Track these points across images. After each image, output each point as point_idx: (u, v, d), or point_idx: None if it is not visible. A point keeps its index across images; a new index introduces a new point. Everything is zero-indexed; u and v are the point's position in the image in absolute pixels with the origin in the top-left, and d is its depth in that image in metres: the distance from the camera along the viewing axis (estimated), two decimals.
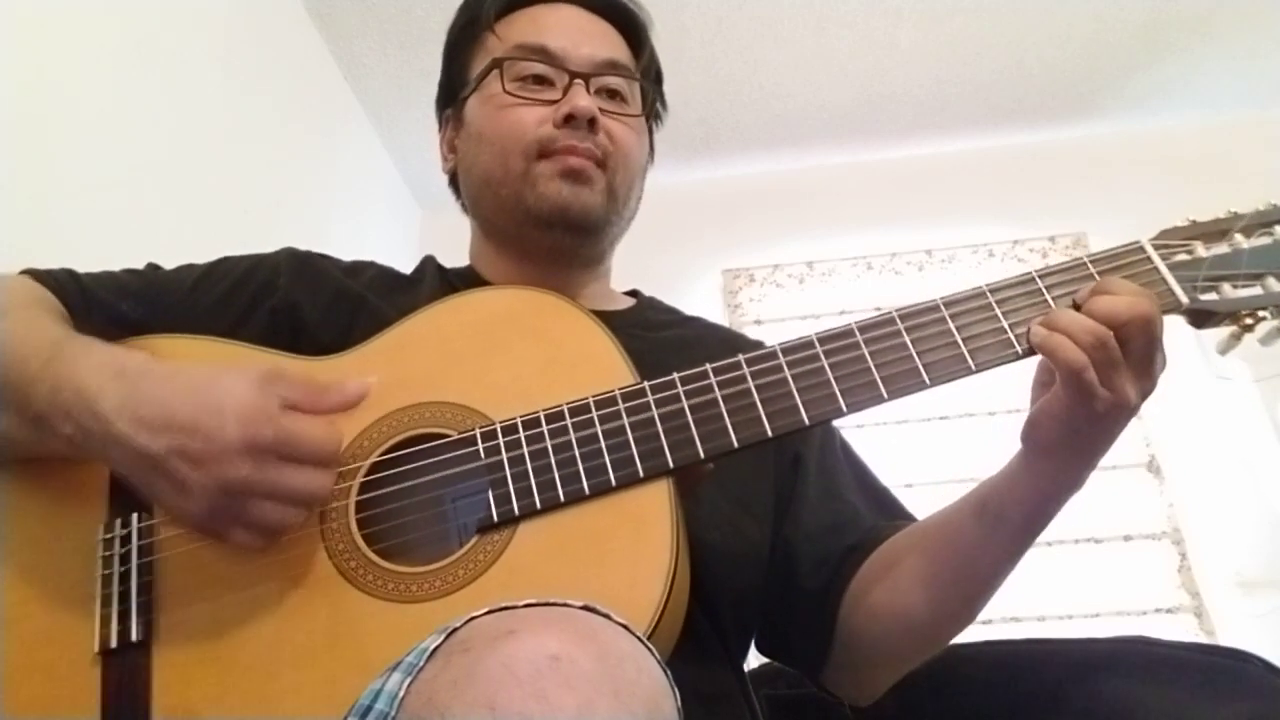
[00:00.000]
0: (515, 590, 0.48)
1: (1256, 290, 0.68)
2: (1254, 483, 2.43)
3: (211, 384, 0.63)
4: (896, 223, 2.84)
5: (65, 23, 1.42)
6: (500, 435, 0.67)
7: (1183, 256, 0.69)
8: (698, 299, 2.80)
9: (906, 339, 0.68)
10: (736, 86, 2.66)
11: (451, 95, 0.95)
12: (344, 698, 0.46)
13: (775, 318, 2.75)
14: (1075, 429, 0.65)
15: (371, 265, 0.94)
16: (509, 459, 0.66)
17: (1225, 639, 2.24)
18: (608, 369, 0.70)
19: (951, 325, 0.68)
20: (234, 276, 0.85)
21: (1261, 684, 0.69)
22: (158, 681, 0.63)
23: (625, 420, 0.66)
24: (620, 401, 0.67)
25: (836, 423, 0.83)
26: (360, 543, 0.66)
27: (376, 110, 2.63)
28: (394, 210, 2.88)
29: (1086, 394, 0.62)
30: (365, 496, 0.68)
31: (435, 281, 0.92)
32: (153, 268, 0.88)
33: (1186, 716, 0.69)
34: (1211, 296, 0.68)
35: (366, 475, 0.68)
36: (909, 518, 0.85)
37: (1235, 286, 0.68)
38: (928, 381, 0.66)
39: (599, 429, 0.66)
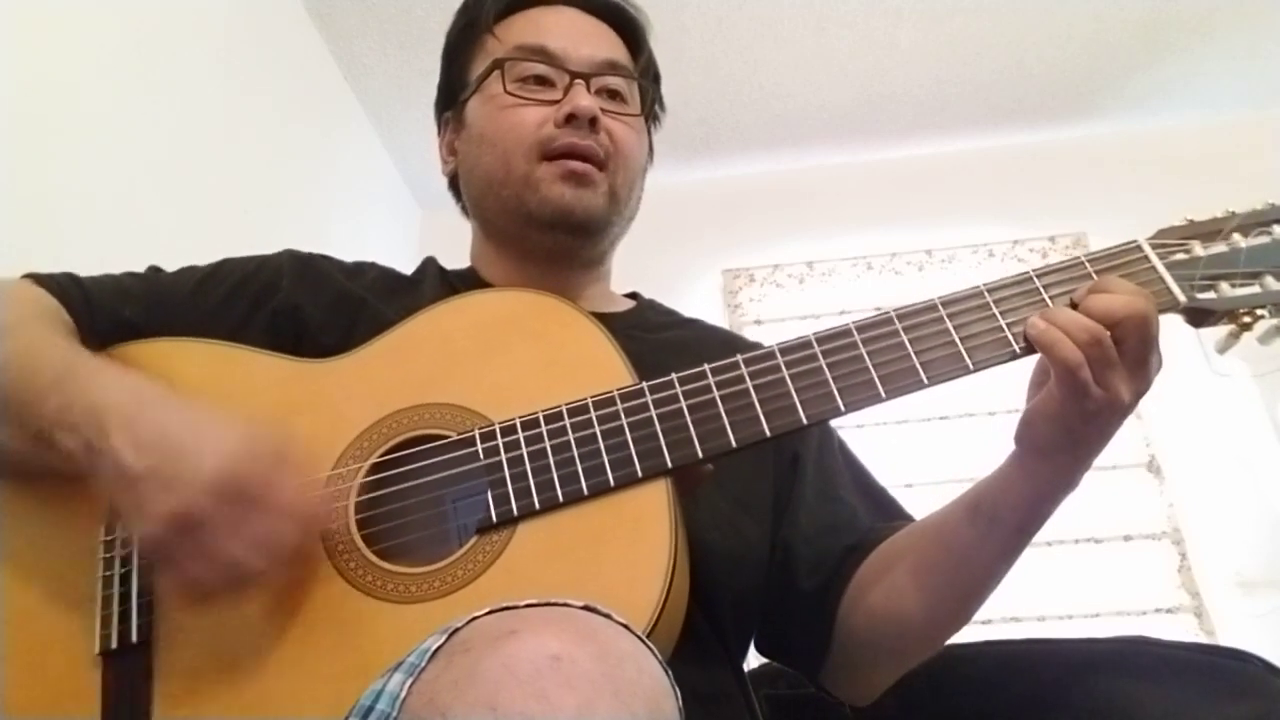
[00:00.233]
0: (514, 590, 0.49)
1: (1254, 289, 0.68)
2: (1254, 483, 2.43)
3: (211, 421, 0.62)
4: (896, 223, 2.84)
5: (65, 23, 1.42)
6: (499, 436, 0.67)
7: (1180, 256, 0.69)
8: (698, 299, 2.80)
9: (904, 339, 0.68)
10: (736, 86, 2.66)
11: (451, 98, 0.96)
12: (344, 698, 0.46)
13: (775, 318, 2.75)
14: (1069, 428, 0.65)
15: (373, 267, 0.94)
16: (508, 460, 0.66)
17: (1225, 639, 2.24)
18: (607, 371, 0.70)
19: (949, 325, 0.68)
20: (236, 279, 0.85)
21: (1261, 684, 0.69)
22: (158, 682, 0.63)
23: (624, 421, 0.66)
24: (619, 402, 0.67)
25: (836, 423, 0.84)
26: (360, 543, 0.66)
27: (376, 110, 2.63)
28: (394, 210, 2.88)
29: (1081, 392, 0.62)
30: (365, 497, 0.68)
31: (436, 283, 0.92)
32: (154, 270, 0.88)
33: (1186, 716, 0.69)
34: (1209, 295, 0.68)
35: (366, 476, 0.68)
36: (907, 518, 0.85)
37: (1233, 285, 0.68)
38: (925, 381, 0.66)
39: (597, 429, 0.66)
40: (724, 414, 0.66)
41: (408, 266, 0.96)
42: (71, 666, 0.64)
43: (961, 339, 0.67)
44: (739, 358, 0.69)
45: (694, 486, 0.68)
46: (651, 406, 0.67)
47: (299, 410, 0.73)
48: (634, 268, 1.06)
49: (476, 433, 0.68)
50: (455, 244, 1.00)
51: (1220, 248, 0.69)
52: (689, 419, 0.66)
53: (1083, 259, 0.69)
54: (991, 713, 0.77)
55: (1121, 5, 2.41)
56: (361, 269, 0.92)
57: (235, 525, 0.59)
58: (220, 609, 0.62)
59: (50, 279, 0.80)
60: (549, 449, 0.66)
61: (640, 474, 0.64)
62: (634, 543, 0.62)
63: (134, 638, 0.64)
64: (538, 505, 0.64)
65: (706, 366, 0.68)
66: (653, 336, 0.90)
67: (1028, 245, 2.76)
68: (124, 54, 1.57)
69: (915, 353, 0.67)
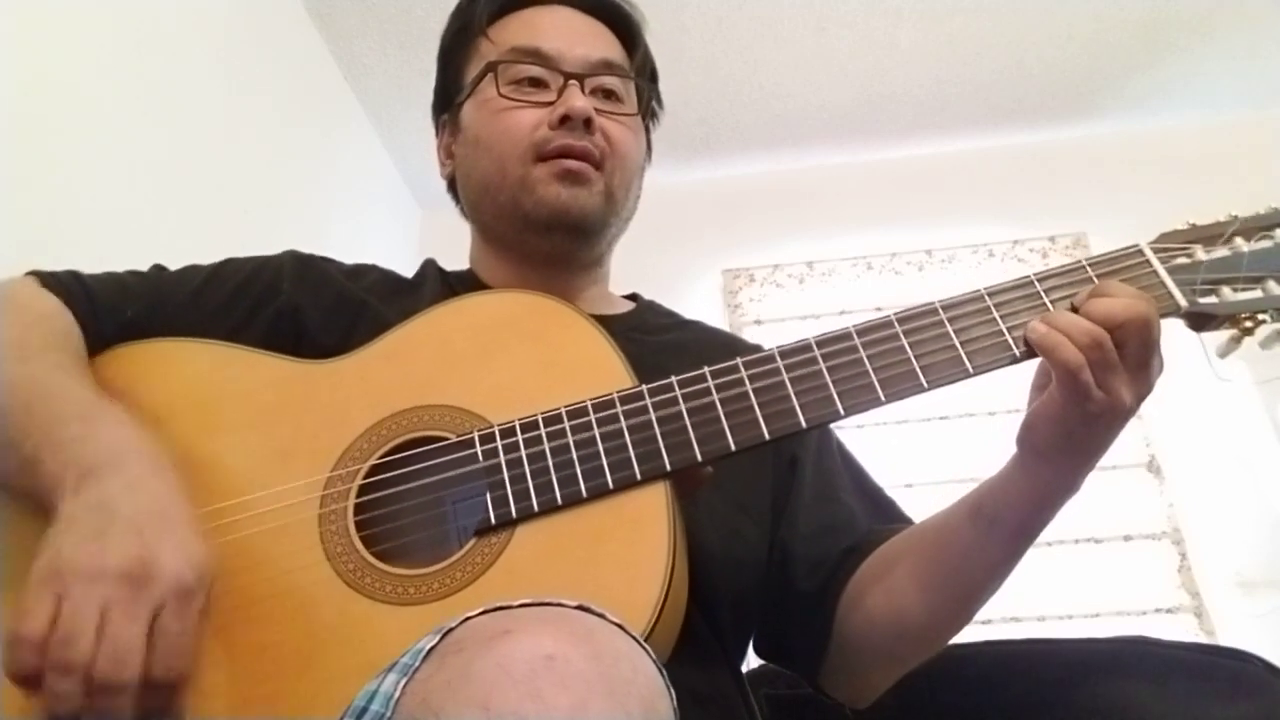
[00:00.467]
0: (513, 592, 0.48)
1: (1256, 293, 0.67)
2: (1254, 483, 2.43)
3: (174, 517, 0.59)
4: (896, 223, 2.84)
5: (65, 23, 1.42)
6: (498, 438, 0.67)
7: (1182, 260, 0.69)
8: (698, 299, 2.80)
9: (904, 342, 0.68)
10: (736, 86, 2.66)
11: (447, 101, 0.95)
12: (341, 699, 0.46)
13: (775, 318, 2.75)
14: (1070, 431, 0.65)
15: (373, 269, 0.94)
16: (507, 462, 0.66)
17: (1225, 639, 2.24)
18: (606, 372, 0.70)
19: (949, 328, 0.68)
20: (238, 280, 0.85)
21: (1261, 684, 0.69)
22: None
23: (623, 423, 0.66)
24: (618, 404, 0.67)
25: (836, 424, 0.83)
26: (358, 545, 0.66)
27: (376, 110, 2.63)
28: (394, 210, 2.88)
29: (1082, 395, 0.62)
30: (364, 499, 0.68)
31: (436, 285, 0.92)
32: (157, 269, 0.88)
33: (1186, 716, 0.69)
34: (1211, 300, 0.68)
35: (366, 478, 0.68)
36: (906, 521, 0.85)
37: (1235, 289, 0.67)
38: (925, 385, 0.66)
39: (596, 432, 0.66)
40: (723, 417, 0.66)
41: (408, 267, 0.96)
42: None
43: (961, 343, 0.67)
44: (739, 360, 0.69)
45: (693, 489, 0.68)
46: (651, 409, 0.67)
47: (298, 411, 0.73)
48: (634, 268, 1.06)
49: (475, 435, 0.68)
50: (455, 244, 1.00)
51: (1222, 252, 0.69)
52: (688, 421, 0.66)
53: (1084, 263, 0.69)
54: (991, 713, 0.77)
55: (1121, 5, 2.41)
56: (362, 271, 0.93)
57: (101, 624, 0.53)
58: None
59: (54, 277, 0.80)
60: (548, 451, 0.66)
61: (639, 476, 0.64)
62: (633, 544, 0.62)
63: None
64: (536, 507, 0.64)
65: (706, 369, 0.68)
66: (652, 339, 0.90)
67: (1028, 245, 2.76)
68: (124, 54, 1.57)
69: (915, 356, 0.67)
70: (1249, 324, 0.67)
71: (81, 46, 1.46)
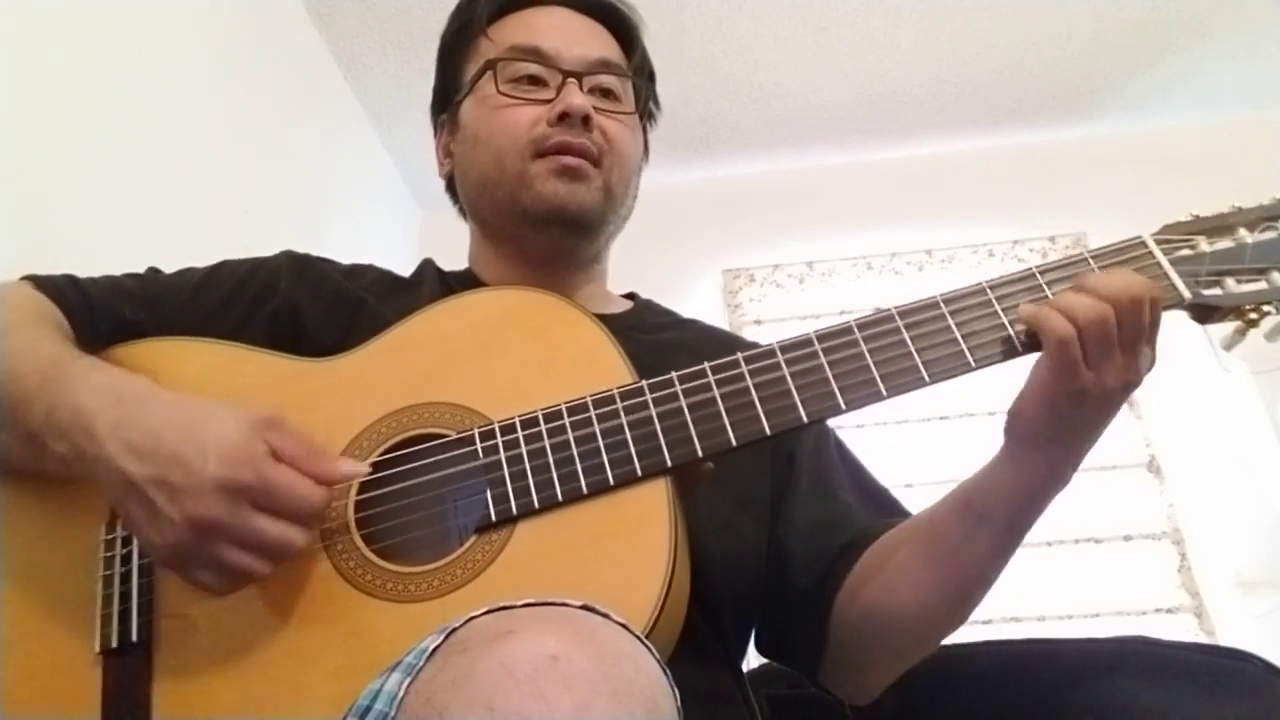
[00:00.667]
0: (513, 589, 0.48)
1: (1261, 285, 0.67)
2: (1254, 482, 2.43)
3: (205, 418, 0.62)
4: (896, 223, 2.84)
5: (65, 23, 1.42)
6: (499, 435, 0.67)
7: (1185, 251, 0.68)
8: (697, 299, 2.80)
9: (905, 336, 0.67)
10: (736, 86, 2.66)
11: (446, 100, 0.96)
12: (343, 696, 0.46)
13: (775, 318, 2.75)
14: (1058, 412, 0.65)
15: (371, 268, 0.94)
16: (507, 459, 0.66)
17: (1225, 639, 2.24)
18: (606, 369, 0.70)
19: (951, 322, 0.67)
20: (235, 280, 0.86)
21: (1261, 684, 0.69)
22: (158, 682, 0.63)
23: (623, 419, 0.66)
24: (618, 400, 0.67)
25: (837, 422, 0.83)
26: (359, 542, 0.66)
27: (376, 110, 2.63)
28: (394, 210, 2.88)
29: (1070, 370, 0.63)
30: (364, 496, 0.67)
31: (434, 284, 0.92)
32: (154, 271, 0.88)
33: (1186, 716, 0.68)
34: (1215, 291, 0.67)
35: (365, 476, 0.68)
36: (905, 515, 0.85)
37: (1239, 281, 0.67)
38: (927, 379, 0.66)
39: (597, 428, 0.66)
40: (724, 412, 0.66)
41: (407, 267, 0.96)
42: (71, 665, 0.64)
43: (963, 336, 0.67)
44: (739, 355, 0.68)
45: (694, 485, 0.68)
46: (651, 405, 0.67)
47: (298, 409, 0.72)
48: (633, 268, 1.06)
49: (476, 432, 0.68)
50: (455, 244, 1.00)
51: (1226, 243, 0.68)
52: (689, 417, 0.66)
53: (1086, 255, 0.69)
54: (991, 713, 0.77)
55: (1121, 5, 2.41)
56: (359, 270, 0.93)
57: (244, 529, 0.59)
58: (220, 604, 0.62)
59: (49, 281, 0.80)
60: (548, 448, 0.66)
61: (640, 472, 0.64)
62: (634, 541, 0.62)
63: (134, 637, 0.64)
64: (537, 504, 0.64)
65: (707, 365, 0.68)
66: (650, 337, 0.90)
67: (1028, 245, 2.76)
68: (124, 54, 1.57)
69: (917, 350, 0.67)
70: (1253, 316, 0.67)
71: (81, 46, 1.46)
